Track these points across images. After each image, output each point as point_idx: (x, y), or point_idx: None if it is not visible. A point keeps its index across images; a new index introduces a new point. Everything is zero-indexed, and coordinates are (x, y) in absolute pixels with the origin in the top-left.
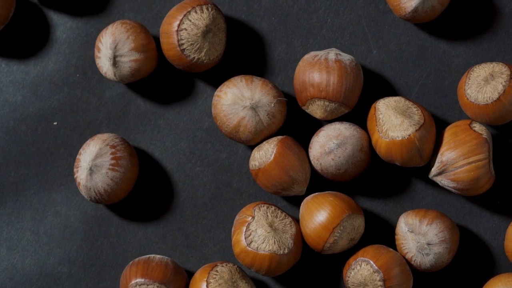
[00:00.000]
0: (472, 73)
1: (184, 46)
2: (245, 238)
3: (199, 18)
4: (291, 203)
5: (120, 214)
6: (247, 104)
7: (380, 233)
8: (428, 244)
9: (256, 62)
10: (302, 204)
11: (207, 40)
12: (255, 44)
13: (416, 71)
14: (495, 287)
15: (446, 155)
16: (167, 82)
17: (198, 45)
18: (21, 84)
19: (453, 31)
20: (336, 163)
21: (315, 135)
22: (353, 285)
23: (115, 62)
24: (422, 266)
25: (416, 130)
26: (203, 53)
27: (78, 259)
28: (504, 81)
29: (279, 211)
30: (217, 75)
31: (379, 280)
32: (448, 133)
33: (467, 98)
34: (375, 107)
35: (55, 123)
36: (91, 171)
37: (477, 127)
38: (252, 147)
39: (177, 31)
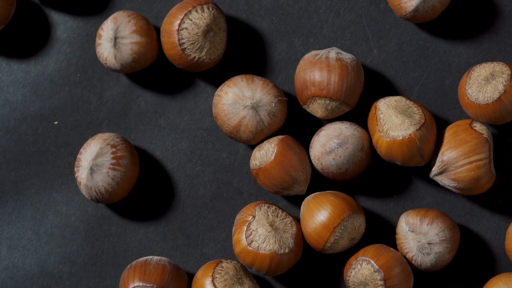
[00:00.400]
0: (472, 72)
1: (185, 46)
2: (246, 238)
3: (200, 18)
4: (291, 202)
5: (120, 214)
6: (247, 103)
7: (381, 232)
8: (429, 243)
9: (256, 62)
10: (302, 203)
11: (207, 40)
12: (255, 44)
13: (417, 71)
14: (496, 287)
15: (447, 154)
16: (167, 81)
17: (198, 45)
18: (21, 84)
19: (453, 30)
20: (336, 163)
21: (315, 134)
22: (353, 285)
23: (116, 43)
24: (423, 266)
25: (417, 130)
26: (203, 53)
27: (79, 258)
28: (505, 81)
29: (280, 211)
30: (217, 74)
31: (379, 280)
32: (448, 132)
33: (468, 98)
34: (375, 107)
35: (55, 122)
36: (91, 170)
37: (478, 126)
38: (252, 147)
39: (178, 30)
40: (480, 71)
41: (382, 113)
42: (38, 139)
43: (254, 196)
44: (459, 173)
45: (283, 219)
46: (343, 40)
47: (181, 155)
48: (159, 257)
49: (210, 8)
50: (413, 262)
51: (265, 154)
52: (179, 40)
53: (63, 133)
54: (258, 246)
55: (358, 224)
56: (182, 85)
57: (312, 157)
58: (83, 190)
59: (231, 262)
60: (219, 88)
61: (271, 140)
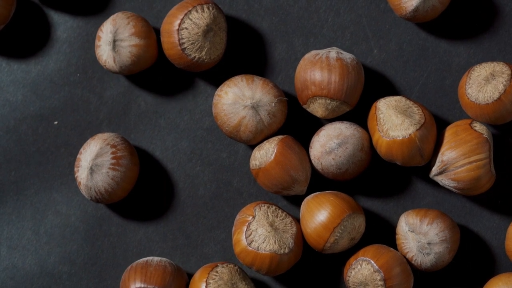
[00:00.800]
0: (472, 72)
1: (185, 45)
2: (246, 238)
3: (200, 17)
4: (291, 202)
5: (120, 214)
6: (247, 103)
7: (381, 232)
8: (429, 243)
9: (256, 62)
10: (302, 203)
11: (207, 39)
12: (255, 44)
13: (417, 71)
14: (496, 287)
15: (447, 154)
16: (167, 81)
17: (199, 44)
18: (21, 84)
19: (453, 30)
20: (336, 163)
21: (315, 134)
22: (353, 285)
23: (114, 46)
24: (423, 266)
25: (417, 130)
26: (203, 52)
27: (79, 258)
28: (505, 81)
29: (280, 211)
30: (217, 74)
31: (379, 280)
32: (448, 132)
33: (468, 98)
34: (375, 107)
35: (55, 122)
36: (91, 170)
37: (478, 126)
38: (252, 147)
39: (178, 30)
40: (480, 71)
41: (382, 113)
42: (38, 139)
43: (254, 196)
44: (459, 173)
45: (283, 219)
46: (343, 40)
47: (181, 155)
48: (159, 258)
49: (210, 8)
50: (413, 262)
51: (265, 154)
52: (179, 40)
53: (63, 133)
54: (258, 246)
55: (358, 224)
56: (182, 85)
57: (312, 157)
58: (83, 190)
59: (227, 266)
60: (219, 88)
61: (271, 140)
